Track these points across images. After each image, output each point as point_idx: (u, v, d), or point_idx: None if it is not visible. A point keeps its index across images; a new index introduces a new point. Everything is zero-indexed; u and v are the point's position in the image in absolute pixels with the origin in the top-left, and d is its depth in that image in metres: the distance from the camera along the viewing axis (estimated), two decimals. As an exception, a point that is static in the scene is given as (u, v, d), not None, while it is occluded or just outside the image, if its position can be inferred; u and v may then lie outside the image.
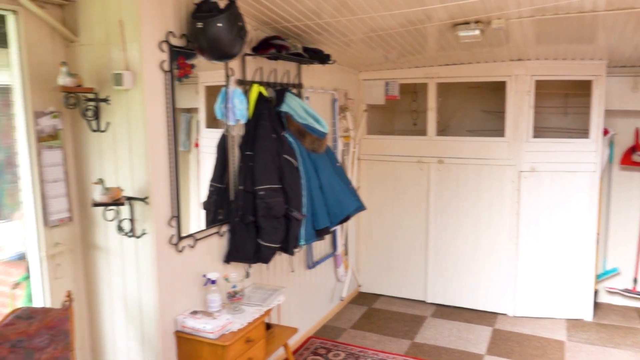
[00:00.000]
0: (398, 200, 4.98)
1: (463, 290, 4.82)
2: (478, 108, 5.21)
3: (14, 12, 2.32)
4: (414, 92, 5.26)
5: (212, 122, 3.03)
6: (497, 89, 4.69)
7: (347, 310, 4.82)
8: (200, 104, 3.06)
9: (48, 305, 2.55)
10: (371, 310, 4.81)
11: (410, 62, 4.61)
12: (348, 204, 3.47)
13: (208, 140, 3.10)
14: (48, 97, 2.46)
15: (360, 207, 3.61)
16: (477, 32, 3.27)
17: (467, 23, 3.29)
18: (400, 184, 4.96)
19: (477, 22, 3.26)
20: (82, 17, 2.49)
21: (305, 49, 3.47)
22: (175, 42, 2.56)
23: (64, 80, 2.33)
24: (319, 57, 3.60)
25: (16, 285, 2.85)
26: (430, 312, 4.78)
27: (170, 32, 2.53)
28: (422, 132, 4.87)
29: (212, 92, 2.94)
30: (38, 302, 2.56)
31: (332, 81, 4.39)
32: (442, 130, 5.01)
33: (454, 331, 4.37)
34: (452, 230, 4.79)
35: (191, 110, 2.97)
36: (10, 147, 2.63)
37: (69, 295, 2.40)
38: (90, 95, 2.46)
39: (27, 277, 2.71)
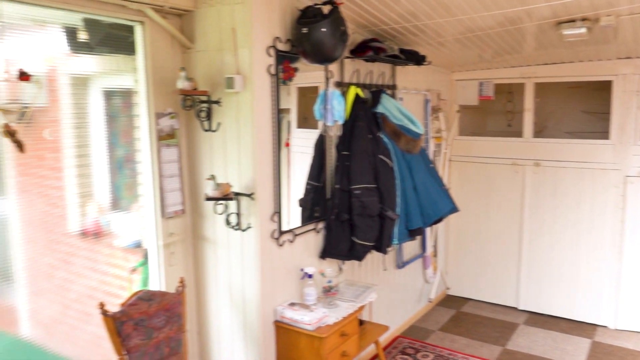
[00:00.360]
0: (490, 203, 4.87)
1: (559, 299, 4.62)
2: (578, 108, 4.97)
3: (141, 22, 2.57)
4: (509, 92, 5.11)
5: (303, 122, 3.15)
6: (601, 89, 4.45)
7: (435, 312, 4.79)
8: (292, 105, 3.19)
9: (163, 289, 2.80)
10: (460, 314, 4.74)
11: (506, 62, 4.49)
12: (442, 205, 3.46)
13: (299, 140, 3.23)
14: (167, 100, 2.70)
15: (454, 209, 3.59)
16: (583, 30, 3.14)
17: (572, 21, 3.17)
18: (492, 187, 4.84)
19: (583, 19, 3.13)
20: (198, 26, 2.70)
21: (402, 51, 3.51)
22: (281, 47, 2.70)
23: (182, 84, 2.54)
24: (415, 58, 3.62)
25: (133, 270, 3.14)
26: (523, 319, 4.62)
27: (277, 37, 2.67)
28: (518, 133, 4.73)
29: (304, 93, 3.06)
30: (154, 287, 2.82)
31: (425, 82, 4.39)
32: (539, 132, 4.83)
33: (549, 340, 4.21)
34: (548, 236, 4.61)
35: (282, 111, 3.11)
36: (130, 145, 2.90)
37: (182, 282, 2.61)
38: (204, 98, 2.66)
39: (143, 263, 2.98)
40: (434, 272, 4.78)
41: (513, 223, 4.76)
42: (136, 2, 2.41)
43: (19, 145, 1.72)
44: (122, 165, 3.16)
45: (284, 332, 2.79)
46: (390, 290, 4.07)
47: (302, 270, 2.95)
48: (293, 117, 3.18)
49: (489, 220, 4.89)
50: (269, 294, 2.77)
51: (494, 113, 5.39)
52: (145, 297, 2.46)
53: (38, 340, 2.62)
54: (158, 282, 2.81)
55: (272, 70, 2.66)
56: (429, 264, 4.64)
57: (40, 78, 2.13)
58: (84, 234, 2.85)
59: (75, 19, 2.42)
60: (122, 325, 2.34)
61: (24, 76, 1.75)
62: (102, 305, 2.30)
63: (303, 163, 3.20)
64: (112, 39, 2.63)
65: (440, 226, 4.84)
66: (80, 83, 2.67)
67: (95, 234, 2.90)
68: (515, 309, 4.82)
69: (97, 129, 2.78)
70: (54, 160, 2.65)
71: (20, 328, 2.51)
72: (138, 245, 3.06)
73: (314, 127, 3.16)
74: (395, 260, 4.10)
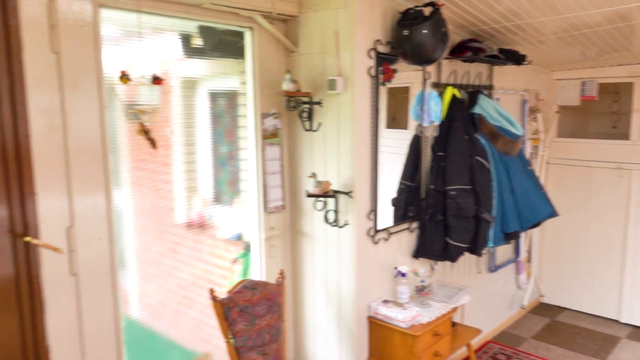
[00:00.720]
0: (590, 208, 4.62)
1: (667, 314, 4.31)
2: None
3: (251, 28, 2.74)
4: (615, 92, 4.82)
5: (392, 122, 3.17)
6: None
7: (528, 319, 4.63)
8: (382, 105, 3.24)
9: (263, 280, 2.96)
10: (555, 323, 4.55)
11: (613, 60, 4.24)
12: (541, 209, 3.36)
13: (388, 140, 3.26)
14: (271, 101, 2.85)
15: (553, 214, 3.47)
16: None
17: (693, 15, 2.96)
18: (593, 191, 4.60)
19: None
20: (302, 30, 2.83)
21: (501, 50, 3.44)
22: (382, 49, 2.76)
23: (287, 86, 2.68)
24: (515, 58, 3.54)
25: (234, 261, 3.34)
26: (626, 333, 4.35)
27: (378, 40, 2.74)
28: (624, 135, 4.45)
29: (393, 94, 3.08)
30: (254, 277, 2.99)
31: (522, 82, 4.26)
32: (649, 134, 4.52)
33: (655, 357, 3.94)
34: (656, 246, 4.31)
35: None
36: (233, 143, 3.09)
37: (281, 274, 2.76)
38: (306, 99, 2.78)
39: (244, 255, 3.16)
40: (527, 278, 4.62)
41: (616, 231, 4.49)
42: (247, 9, 2.58)
43: (152, 143, 1.93)
44: (224, 162, 3.36)
45: (378, 328, 2.85)
46: (481, 293, 4.00)
47: (395, 268, 3.00)
48: (382, 117, 3.23)
49: (588, 227, 4.65)
50: (363, 290, 2.84)
51: (597, 114, 5.10)
52: (250, 286, 2.63)
53: (146, 321, 2.87)
54: (259, 273, 2.97)
55: (372, 72, 2.73)
56: (522, 270, 4.50)
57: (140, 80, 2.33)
58: (190, 225, 3.06)
59: (191, 26, 2.63)
60: (229, 310, 2.51)
61: (157, 80, 1.95)
62: (212, 291, 2.48)
63: (391, 163, 3.23)
64: (223, 44, 2.82)
65: (535, 231, 4.67)
66: (189, 85, 2.89)
67: (199, 226, 3.11)
68: (616, 321, 4.55)
69: (203, 128, 2.98)
70: (165, 156, 2.88)
71: (130, 309, 2.74)
72: (239, 238, 3.24)
73: (403, 127, 3.19)
74: (487, 263, 4.02)
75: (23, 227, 1.95)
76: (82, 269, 2.13)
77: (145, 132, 1.87)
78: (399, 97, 3.15)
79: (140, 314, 2.85)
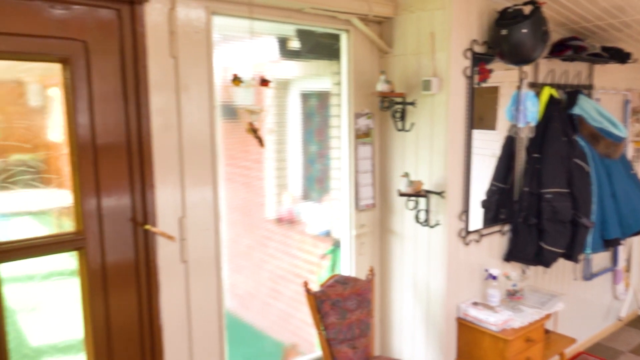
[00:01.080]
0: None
1: None
2: None
3: (347, 31, 2.82)
4: None
5: (479, 123, 3.10)
6: None
7: (625, 332, 4.37)
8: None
9: (353, 275, 3.03)
10: (656, 338, 4.27)
11: None
12: (645, 216, 3.18)
13: (475, 141, 3.20)
14: (365, 101, 2.92)
15: (659, 221, 3.26)
16: None
17: None
18: None
19: None
20: (397, 31, 2.86)
21: (604, 48, 3.28)
22: (478, 49, 2.74)
23: (381, 86, 2.73)
24: (619, 56, 3.37)
25: (323, 256, 3.44)
26: None
27: (474, 40, 2.72)
28: None
29: (480, 94, 3.02)
30: (344, 273, 3.06)
31: (625, 81, 4.03)
32: None
33: None
34: None
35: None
36: (323, 142, 3.18)
37: (371, 270, 2.81)
38: (399, 99, 2.82)
39: (332, 251, 3.25)
40: (625, 289, 4.36)
41: None
42: (345, 13, 2.66)
43: (260, 141, 2.05)
44: (314, 160, 3.47)
45: (467, 330, 2.83)
46: (575, 301, 3.84)
47: (486, 270, 2.96)
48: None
49: (698, 237, 4.30)
50: (453, 291, 2.83)
51: None
52: (341, 281, 2.71)
53: (235, 310, 3.02)
54: (348, 269, 3.05)
55: (468, 73, 2.71)
56: (620, 279, 4.25)
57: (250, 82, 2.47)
58: (279, 220, 3.19)
59: (289, 30, 2.75)
60: (321, 303, 2.60)
61: (264, 82, 2.08)
62: (306, 284, 2.59)
63: (479, 164, 3.16)
64: (319, 47, 2.92)
65: (635, 239, 4.39)
66: (282, 86, 3.01)
67: (288, 221, 3.23)
68: None
69: (294, 127, 3.10)
70: (257, 154, 3.02)
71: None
72: (327, 234, 3.33)
73: (490, 127, 3.13)
74: (582, 270, 3.84)
75: (143, 216, 2.15)
76: (191, 257, 2.31)
77: (253, 130, 2.00)
78: (486, 97, 3.09)
79: (229, 303, 3.02)
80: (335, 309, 2.64)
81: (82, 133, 1.98)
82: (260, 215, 3.16)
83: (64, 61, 1.94)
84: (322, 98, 3.18)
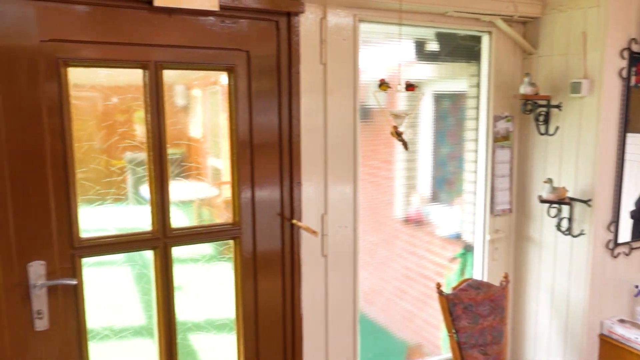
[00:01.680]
0: None
1: None
2: None
3: (489, 32, 2.77)
4: None
5: (634, 126, 2.85)
6: None
7: None
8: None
9: (485, 281, 2.98)
10: None
11: None
12: None
13: (632, 146, 2.94)
14: (505, 103, 2.85)
15: None
16: None
17: None
18: None
19: None
20: (543, 31, 2.75)
21: None
22: (637, 48, 2.55)
23: (525, 89, 2.65)
24: None
25: (452, 259, 3.41)
26: None
27: (633, 39, 2.53)
28: None
29: (637, 96, 2.76)
30: (475, 277, 3.02)
31: None
32: None
33: None
34: None
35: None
36: (456, 144, 3.15)
37: (506, 277, 2.75)
38: (543, 102, 2.71)
39: (462, 254, 3.21)
40: None
41: None
42: (489, 14, 2.62)
43: (404, 144, 2.12)
44: (446, 162, 3.44)
45: (612, 348, 2.65)
46: None
47: (636, 287, 2.75)
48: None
49: None
50: (596, 306, 2.67)
51: None
52: (474, 285, 2.68)
53: (360, 306, 3.10)
54: (480, 274, 3.01)
55: (624, 74, 2.53)
56: None
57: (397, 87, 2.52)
58: (407, 220, 3.21)
59: (428, 33, 2.77)
60: (454, 306, 2.61)
61: (410, 87, 2.14)
62: (438, 286, 2.61)
63: (632, 171, 2.91)
64: (458, 49, 2.91)
65: None
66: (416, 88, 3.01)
67: (416, 222, 3.24)
68: None
69: (425, 128, 3.10)
70: (386, 154, 3.07)
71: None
72: (457, 237, 3.30)
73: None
74: None
75: (290, 211, 2.32)
76: (330, 252, 2.45)
77: (398, 134, 2.07)
78: (636, 97, 2.83)
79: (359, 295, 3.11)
80: (467, 313, 2.63)
81: (241, 133, 2.20)
82: (388, 214, 3.22)
83: (229, 69, 2.16)
84: (457, 100, 3.15)
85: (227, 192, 2.27)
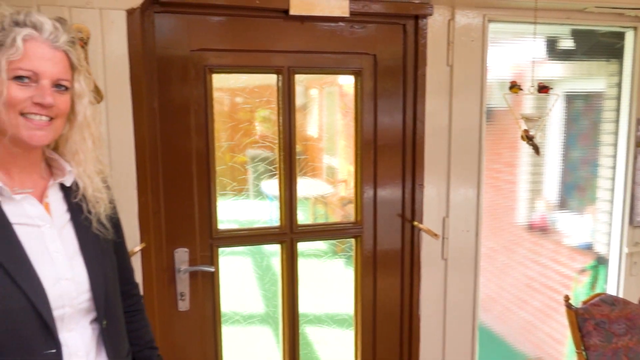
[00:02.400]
0: None
1: None
2: None
3: (634, 28, 2.55)
4: None
5: None
6: None
7: None
8: None
9: (621, 297, 2.75)
10: None
11: None
12: None
13: None
14: (650, 105, 2.61)
15: None
16: None
17: None
18: None
19: None
20: (701, 24, 2.48)
21: None
22: None
23: (676, 89, 2.40)
24: None
25: (581, 271, 3.19)
26: None
27: None
28: None
29: None
30: (609, 292, 2.80)
31: None
32: None
33: None
34: None
35: None
36: (589, 148, 2.92)
37: (645, 294, 2.52)
38: (699, 104, 2.44)
39: (593, 267, 2.99)
40: None
41: None
42: (635, 8, 2.41)
43: (536, 149, 2.04)
44: (576, 167, 3.22)
45: None
46: None
47: None
48: None
49: None
50: None
51: None
52: (608, 301, 2.49)
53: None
54: (615, 289, 2.78)
55: None
56: None
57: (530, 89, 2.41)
58: (530, 227, 3.05)
59: (561, 30, 2.61)
60: (584, 322, 2.44)
61: (543, 89, 2.05)
62: (567, 298, 2.46)
63: None
64: (596, 46, 2.71)
65: None
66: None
67: (541, 229, 3.07)
68: None
69: (554, 130, 2.92)
70: (510, 157, 2.94)
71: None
72: (588, 248, 3.08)
73: None
74: None
75: (411, 212, 2.33)
76: (450, 255, 2.42)
77: (529, 138, 1.99)
78: None
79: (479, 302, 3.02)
80: (599, 330, 2.45)
81: (366, 134, 2.26)
82: (509, 219, 3.09)
83: (356, 73, 2.23)
84: (592, 101, 2.94)
85: (346, 191, 2.34)
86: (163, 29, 1.97)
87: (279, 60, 2.13)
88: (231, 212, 2.24)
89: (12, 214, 1.04)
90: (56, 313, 1.04)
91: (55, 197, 1.14)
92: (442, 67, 2.28)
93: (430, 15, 2.20)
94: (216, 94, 2.10)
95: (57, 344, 1.03)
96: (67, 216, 1.14)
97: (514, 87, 2.06)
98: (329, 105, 2.43)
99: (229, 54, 2.07)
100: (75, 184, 1.16)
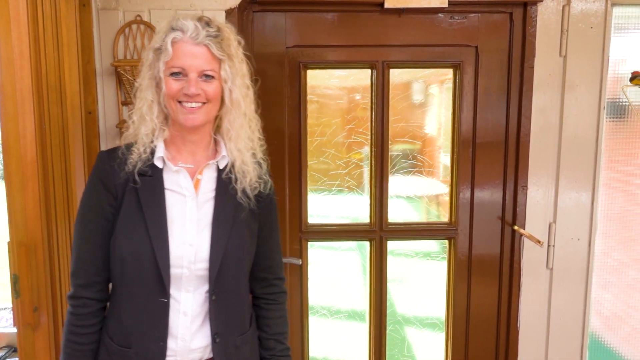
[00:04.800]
0: None
1: None
2: None
3: None
4: None
5: None
6: None
7: None
8: None
9: None
10: None
11: None
12: None
13: None
14: None
15: None
16: None
17: None
18: None
19: None
20: None
21: None
22: None
23: None
24: None
25: None
26: None
27: None
28: None
29: None
30: None
31: None
32: None
33: None
34: None
35: None
36: None
37: None
38: None
39: None
40: None
41: None
42: None
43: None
44: None
45: None
46: None
47: None
48: None
49: None
50: None
51: None
52: None
53: (597, 330, 2.70)
54: None
55: None
56: None
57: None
58: None
59: None
60: None
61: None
62: (701, 324, 2.12)
63: None
64: None
65: None
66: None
67: (680, 241, 2.67)
68: None
69: None
70: None
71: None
72: None
73: None
74: None
75: (512, 216, 2.17)
76: (557, 265, 2.21)
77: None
78: None
79: (591, 321, 2.74)
80: None
81: (464, 131, 2.14)
82: (641, 228, 2.74)
83: (455, 66, 2.11)
84: None
85: (443, 190, 2.24)
86: (260, 27, 2.04)
87: (374, 54, 2.09)
88: (326, 207, 2.26)
89: (169, 181, 1.23)
90: (175, 271, 1.19)
91: (209, 176, 1.27)
92: (553, 58, 2.07)
93: (541, 1, 2.00)
94: (311, 91, 2.12)
95: (167, 296, 1.19)
96: (212, 194, 1.26)
97: (636, 78, 1.81)
98: (432, 101, 2.32)
99: (322, 49, 2.08)
100: (231, 164, 1.27)
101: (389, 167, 2.17)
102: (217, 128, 1.29)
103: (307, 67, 2.09)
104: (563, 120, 2.12)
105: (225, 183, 1.26)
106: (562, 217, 2.18)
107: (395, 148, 2.20)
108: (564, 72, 2.08)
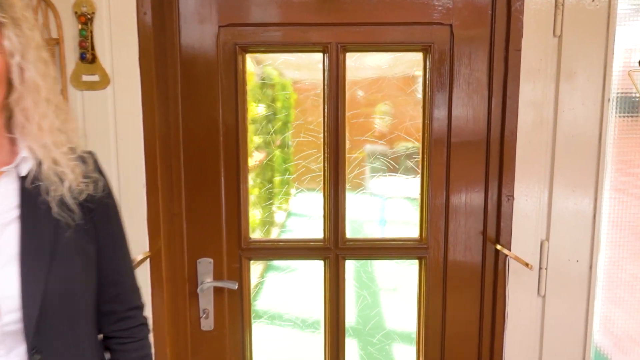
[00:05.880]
0: None
1: None
2: None
3: None
4: None
5: None
6: None
7: None
8: None
9: None
10: None
11: None
12: None
13: None
14: None
15: None
16: None
17: None
18: None
19: None
20: None
21: None
22: None
23: None
24: None
25: None
26: None
27: None
28: None
29: None
30: None
31: None
32: None
33: None
34: None
35: None
36: None
37: None
38: None
39: None
40: None
41: None
42: None
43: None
44: None
45: None
46: None
47: None
48: None
49: None
50: None
51: None
52: None
53: (606, 350, 2.34)
54: None
55: None
56: None
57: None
58: None
59: None
60: None
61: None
62: None
63: None
64: None
65: None
66: None
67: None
68: None
69: None
70: None
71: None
72: None
73: None
74: None
75: (496, 232, 1.78)
76: (550, 292, 1.81)
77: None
78: None
79: (599, 338, 2.38)
80: None
81: (436, 129, 1.76)
82: (658, 240, 2.37)
83: (425, 49, 1.73)
84: None
85: (413, 199, 1.86)
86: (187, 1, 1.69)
87: (327, 35, 1.72)
88: (272, 221, 1.90)
89: None
90: None
91: (7, 188, 0.92)
92: (545, 39, 1.68)
93: (529, -31, 1.62)
94: (252, 81, 1.77)
95: None
96: (15, 212, 0.91)
97: (646, 63, 1.42)
98: (397, 95, 1.94)
99: (264, 29, 1.71)
100: (36, 167, 0.93)
101: (346, 172, 1.80)
102: (8, 121, 0.93)
103: (245, 51, 1.73)
104: (558, 115, 1.72)
105: (33, 195, 0.90)
106: (557, 234, 1.78)
107: (355, 149, 1.83)
108: (559, 57, 1.69)
